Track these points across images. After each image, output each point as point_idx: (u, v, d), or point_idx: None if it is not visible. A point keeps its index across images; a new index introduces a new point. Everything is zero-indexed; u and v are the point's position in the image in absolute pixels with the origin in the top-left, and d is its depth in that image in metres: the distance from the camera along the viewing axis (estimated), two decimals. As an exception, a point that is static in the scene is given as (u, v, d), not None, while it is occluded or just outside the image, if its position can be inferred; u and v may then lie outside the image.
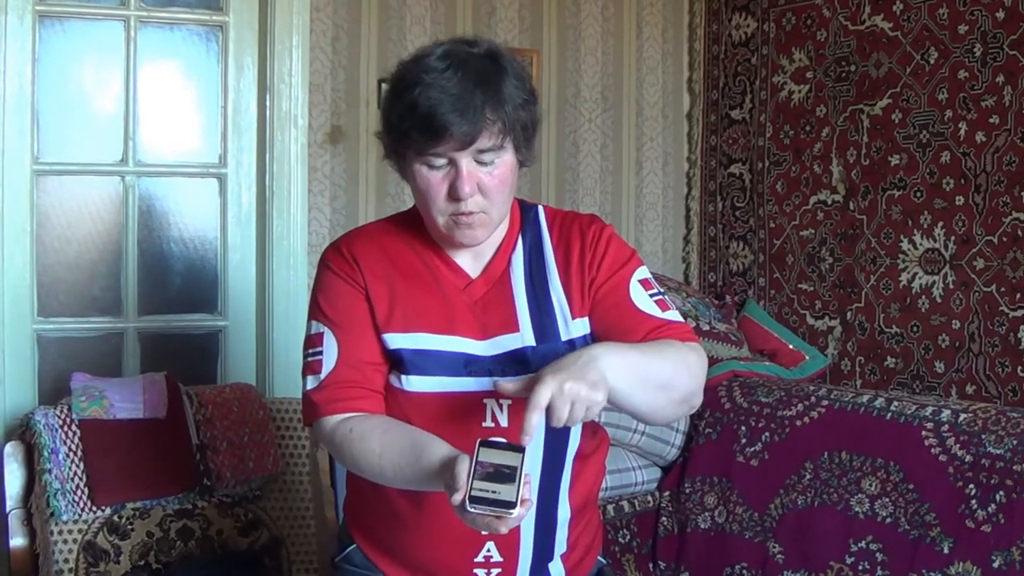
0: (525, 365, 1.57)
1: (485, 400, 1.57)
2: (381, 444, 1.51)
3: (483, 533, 1.57)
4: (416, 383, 1.59)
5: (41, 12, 2.67)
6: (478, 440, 1.35)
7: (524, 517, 1.34)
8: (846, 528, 2.54)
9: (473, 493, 1.31)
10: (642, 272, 1.66)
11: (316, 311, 1.64)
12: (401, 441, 1.50)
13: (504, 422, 1.58)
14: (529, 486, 1.35)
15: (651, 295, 1.63)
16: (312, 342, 1.62)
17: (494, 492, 1.31)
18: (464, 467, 1.33)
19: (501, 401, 1.57)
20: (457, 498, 1.32)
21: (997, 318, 2.84)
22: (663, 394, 1.52)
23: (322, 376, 1.59)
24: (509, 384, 1.44)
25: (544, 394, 1.35)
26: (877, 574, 2.46)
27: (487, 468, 1.33)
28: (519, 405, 1.45)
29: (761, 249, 3.47)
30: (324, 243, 2.81)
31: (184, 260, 2.92)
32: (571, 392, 1.36)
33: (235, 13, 2.88)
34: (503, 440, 1.40)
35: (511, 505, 1.30)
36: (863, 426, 2.60)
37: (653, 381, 1.50)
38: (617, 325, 1.61)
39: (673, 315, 1.63)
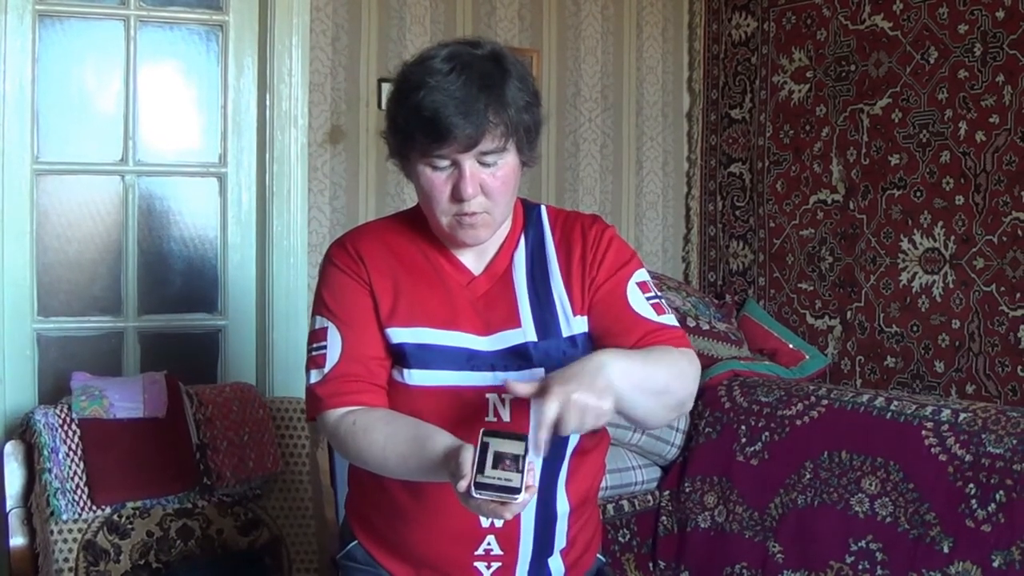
0: (527, 360, 1.59)
1: (488, 395, 1.58)
2: (384, 436, 1.52)
3: (484, 526, 1.59)
4: (418, 377, 1.60)
5: (41, 12, 2.67)
6: (482, 429, 1.37)
7: (528, 503, 1.35)
8: (846, 527, 2.54)
9: (478, 480, 1.32)
10: (641, 275, 1.67)
11: (320, 306, 1.65)
12: (404, 432, 1.51)
13: (506, 416, 1.59)
14: (533, 473, 1.36)
15: (648, 298, 1.65)
16: (316, 337, 1.63)
17: (499, 479, 1.32)
18: (468, 455, 1.35)
19: (503, 396, 1.58)
20: (462, 485, 1.33)
21: (997, 317, 2.84)
22: (659, 400, 1.55)
23: (326, 370, 1.60)
24: (520, 386, 1.44)
25: (552, 409, 1.37)
26: (877, 573, 2.46)
27: (491, 456, 1.34)
28: (521, 399, 1.47)
29: (761, 248, 3.47)
30: (324, 243, 2.82)
31: (184, 260, 2.92)
32: (580, 402, 1.38)
33: (235, 13, 2.88)
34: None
35: (516, 491, 1.32)
36: (863, 425, 2.60)
37: (651, 388, 1.52)
38: (613, 327, 1.63)
39: (668, 319, 1.65)
